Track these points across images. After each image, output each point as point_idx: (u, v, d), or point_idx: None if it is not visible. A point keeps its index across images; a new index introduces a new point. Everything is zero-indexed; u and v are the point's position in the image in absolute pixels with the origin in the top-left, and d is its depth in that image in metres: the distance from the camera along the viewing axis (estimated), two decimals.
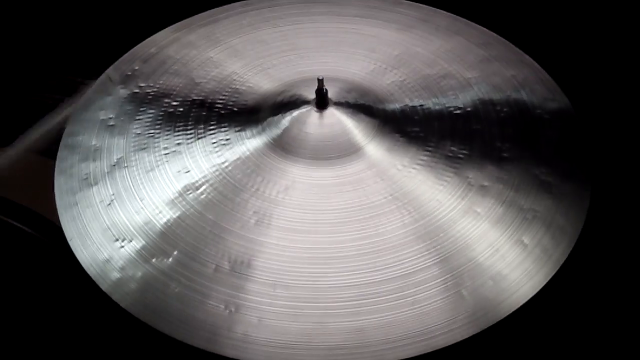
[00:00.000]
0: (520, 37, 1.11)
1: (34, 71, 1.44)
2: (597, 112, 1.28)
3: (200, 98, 1.02)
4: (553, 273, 0.83)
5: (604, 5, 1.41)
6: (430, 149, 0.94)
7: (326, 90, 0.97)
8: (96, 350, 1.03)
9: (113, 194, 0.91)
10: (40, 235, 1.07)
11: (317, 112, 0.97)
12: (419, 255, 0.84)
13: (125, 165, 0.94)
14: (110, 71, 1.06)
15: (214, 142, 0.96)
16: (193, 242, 0.86)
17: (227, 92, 1.02)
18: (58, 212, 0.91)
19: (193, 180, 0.92)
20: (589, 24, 1.43)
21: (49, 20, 1.58)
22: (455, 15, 1.15)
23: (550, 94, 1.03)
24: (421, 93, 1.02)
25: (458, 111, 1.00)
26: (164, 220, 0.88)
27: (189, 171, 0.93)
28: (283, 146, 0.94)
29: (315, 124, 0.96)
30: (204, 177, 0.92)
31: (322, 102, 0.97)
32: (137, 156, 0.95)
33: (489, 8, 1.38)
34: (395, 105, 1.00)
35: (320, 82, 0.96)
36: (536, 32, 1.37)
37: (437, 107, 1.00)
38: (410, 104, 1.00)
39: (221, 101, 1.01)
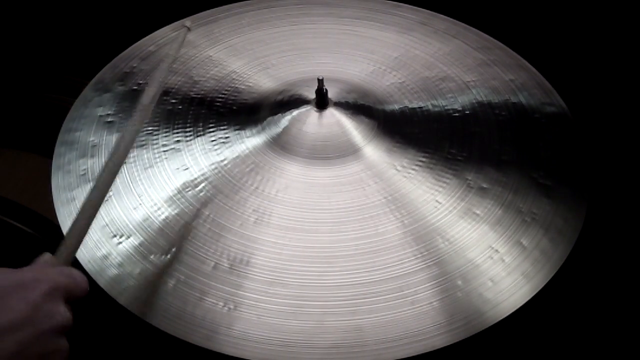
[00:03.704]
0: (518, 42, 1.11)
1: (34, 71, 1.44)
2: (594, 116, 1.28)
3: (200, 96, 1.02)
4: (552, 275, 0.84)
5: (601, 11, 1.42)
6: (429, 150, 0.95)
7: (326, 90, 0.97)
8: (94, 347, 1.02)
9: (111, 190, 0.90)
10: (40, 235, 1.06)
11: (317, 112, 0.97)
12: (418, 256, 0.84)
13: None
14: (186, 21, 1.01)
15: (213, 140, 0.95)
16: (191, 239, 0.85)
17: (226, 90, 1.02)
18: (55, 208, 0.90)
19: (192, 178, 0.91)
20: (586, 29, 1.44)
21: (49, 20, 1.57)
22: (453, 19, 1.15)
23: (548, 98, 1.04)
24: (420, 95, 1.02)
25: (457, 114, 1.00)
26: (163, 217, 0.88)
27: (187, 168, 0.92)
28: (283, 145, 0.94)
29: (315, 123, 0.96)
30: (202, 174, 0.92)
31: (322, 102, 0.97)
32: (135, 153, 0.95)
33: (487, 13, 1.38)
34: (395, 107, 1.00)
35: (321, 82, 0.96)
36: (533, 37, 1.38)
37: (436, 109, 1.00)
38: (410, 106, 1.01)
39: (220, 100, 1.01)
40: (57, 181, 0.93)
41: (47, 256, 0.71)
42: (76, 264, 0.84)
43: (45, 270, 0.70)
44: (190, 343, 0.78)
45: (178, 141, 0.96)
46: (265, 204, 0.88)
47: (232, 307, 0.80)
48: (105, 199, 0.77)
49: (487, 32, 1.13)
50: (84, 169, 0.94)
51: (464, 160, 0.94)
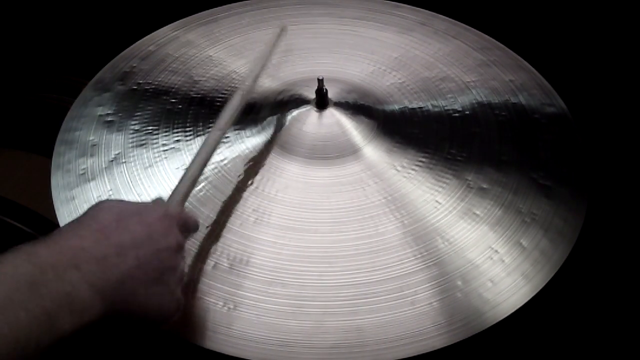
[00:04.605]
0: (518, 42, 1.11)
1: (34, 71, 1.43)
2: (594, 116, 1.28)
3: (199, 96, 1.02)
4: (551, 275, 0.84)
5: (601, 11, 1.42)
6: (429, 150, 0.95)
7: (326, 90, 0.97)
8: (94, 347, 1.02)
9: (111, 190, 0.91)
10: (40, 235, 1.06)
11: (317, 112, 0.97)
12: (418, 256, 0.84)
13: (124, 161, 0.94)
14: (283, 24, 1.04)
15: None
16: (191, 238, 0.85)
17: (226, 90, 1.02)
18: (54, 207, 0.90)
19: None
20: (586, 29, 1.44)
21: (49, 20, 1.57)
22: (453, 20, 1.16)
23: (548, 98, 1.04)
24: (420, 95, 1.02)
25: (457, 114, 1.00)
26: None
27: None
28: (282, 145, 0.94)
29: (315, 123, 0.96)
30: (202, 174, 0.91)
31: (322, 102, 0.97)
32: (135, 152, 0.95)
33: (487, 13, 1.38)
34: (395, 107, 1.00)
35: (321, 82, 0.96)
36: (533, 38, 1.38)
37: (436, 110, 1.00)
38: (410, 106, 1.01)
39: (220, 100, 1.01)
40: (57, 180, 0.93)
41: (159, 199, 0.79)
42: None
43: (159, 203, 0.78)
44: (189, 342, 0.78)
45: (178, 141, 0.96)
46: (265, 203, 0.88)
47: (231, 306, 0.80)
48: (217, 148, 0.85)
49: (487, 33, 1.13)
50: (84, 168, 0.94)
51: (464, 160, 0.94)
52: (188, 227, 0.78)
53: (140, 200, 0.89)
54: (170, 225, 0.73)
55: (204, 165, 0.83)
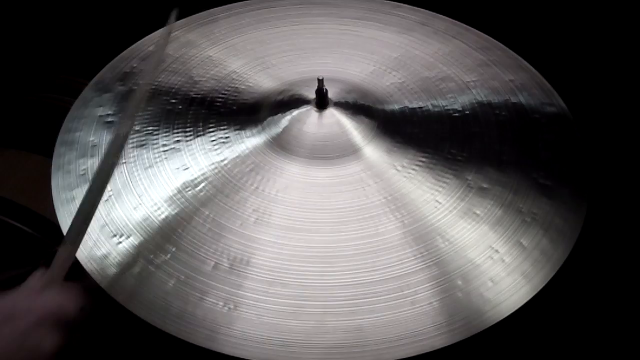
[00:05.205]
0: (518, 42, 1.11)
1: (34, 71, 1.44)
2: (594, 116, 1.28)
3: (200, 96, 1.02)
4: (552, 275, 0.84)
5: (601, 11, 1.42)
6: (429, 150, 0.95)
7: (326, 90, 0.97)
8: (94, 347, 1.02)
9: (111, 190, 0.91)
10: (40, 235, 1.06)
11: (317, 112, 0.97)
12: (418, 256, 0.84)
13: (124, 161, 0.94)
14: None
15: (213, 140, 0.95)
16: (191, 239, 0.85)
17: (226, 90, 1.02)
18: (55, 207, 0.90)
19: (192, 178, 0.91)
20: (586, 29, 1.44)
21: (49, 20, 1.57)
22: (453, 20, 1.16)
23: (548, 98, 1.04)
24: (420, 95, 1.02)
25: (457, 114, 1.00)
26: (162, 217, 0.88)
27: (187, 168, 0.92)
28: (282, 145, 0.94)
29: (315, 123, 0.97)
30: (202, 174, 0.92)
31: (322, 102, 0.97)
32: (135, 153, 0.95)
33: (487, 13, 1.38)
34: (395, 107, 1.00)
35: (320, 82, 0.96)
36: (533, 37, 1.38)
37: (436, 110, 1.00)
38: (410, 106, 1.01)
39: (220, 100, 1.01)
40: (57, 181, 0.93)
41: (38, 274, 0.75)
42: (76, 263, 0.84)
43: (36, 297, 0.73)
44: (190, 343, 0.78)
45: (178, 141, 0.96)
46: (266, 203, 0.88)
47: (232, 307, 0.80)
48: (97, 207, 0.81)
49: (487, 33, 1.13)
50: (84, 169, 0.94)
51: (464, 160, 0.94)
52: (68, 317, 0.73)
53: (138, 199, 0.89)
54: (45, 328, 0.71)
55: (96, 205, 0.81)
